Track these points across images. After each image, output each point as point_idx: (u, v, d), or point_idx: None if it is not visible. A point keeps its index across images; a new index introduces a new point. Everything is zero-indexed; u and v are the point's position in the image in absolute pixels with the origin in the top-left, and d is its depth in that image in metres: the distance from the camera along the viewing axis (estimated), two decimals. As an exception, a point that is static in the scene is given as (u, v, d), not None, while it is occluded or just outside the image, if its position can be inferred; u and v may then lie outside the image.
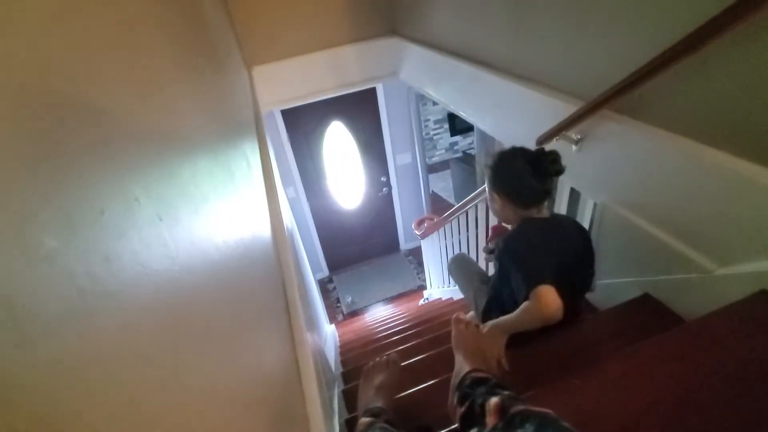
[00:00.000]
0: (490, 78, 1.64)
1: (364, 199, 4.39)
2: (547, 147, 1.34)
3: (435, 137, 6.53)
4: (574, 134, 1.26)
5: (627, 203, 1.20)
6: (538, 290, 0.95)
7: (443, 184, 6.11)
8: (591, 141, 1.24)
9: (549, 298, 0.94)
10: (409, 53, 2.36)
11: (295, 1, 2.34)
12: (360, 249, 4.68)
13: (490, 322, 1.07)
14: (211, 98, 0.91)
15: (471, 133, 6.20)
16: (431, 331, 2.16)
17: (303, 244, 3.59)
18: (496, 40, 1.59)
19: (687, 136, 0.96)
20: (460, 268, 1.76)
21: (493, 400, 0.57)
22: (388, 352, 1.17)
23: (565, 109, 1.24)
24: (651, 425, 0.71)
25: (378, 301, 4.28)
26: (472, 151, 5.52)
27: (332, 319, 4.05)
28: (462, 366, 0.82)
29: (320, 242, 4.45)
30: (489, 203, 1.28)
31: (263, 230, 1.10)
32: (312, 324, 1.51)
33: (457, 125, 6.35)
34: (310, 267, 3.30)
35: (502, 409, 0.55)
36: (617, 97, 1.02)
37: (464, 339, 0.91)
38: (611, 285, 1.36)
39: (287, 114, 3.58)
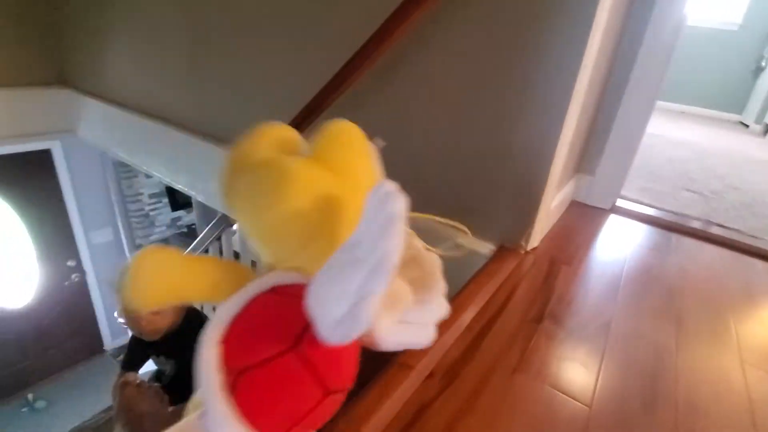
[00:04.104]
0: (181, 136, 1.60)
1: (42, 293, 3.29)
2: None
3: (152, 213, 5.78)
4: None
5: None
6: None
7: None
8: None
9: None
10: (88, 109, 2.05)
11: None
12: (33, 365, 3.39)
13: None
14: None
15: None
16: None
17: None
18: (180, 100, 1.59)
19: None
20: None
21: None
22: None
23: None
24: None
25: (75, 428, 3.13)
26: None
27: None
28: None
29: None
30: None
31: None
32: None
33: (179, 199, 5.84)
34: None
35: None
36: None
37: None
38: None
39: None
